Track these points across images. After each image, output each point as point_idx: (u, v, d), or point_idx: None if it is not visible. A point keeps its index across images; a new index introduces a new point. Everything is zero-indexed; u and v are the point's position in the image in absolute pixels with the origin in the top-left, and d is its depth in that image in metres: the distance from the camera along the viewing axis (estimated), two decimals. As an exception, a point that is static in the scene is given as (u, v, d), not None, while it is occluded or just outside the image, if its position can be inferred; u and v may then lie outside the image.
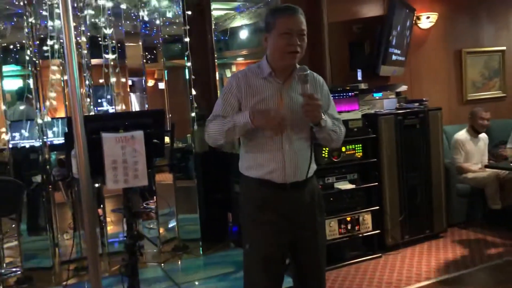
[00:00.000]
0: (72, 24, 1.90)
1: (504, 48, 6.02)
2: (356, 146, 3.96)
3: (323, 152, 3.81)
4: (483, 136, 5.02)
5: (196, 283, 3.68)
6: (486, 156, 5.02)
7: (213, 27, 4.57)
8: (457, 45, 5.74)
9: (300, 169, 2.10)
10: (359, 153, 3.97)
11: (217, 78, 4.68)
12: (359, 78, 4.67)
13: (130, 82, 4.54)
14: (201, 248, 4.31)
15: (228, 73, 5.78)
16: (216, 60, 4.68)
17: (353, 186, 3.93)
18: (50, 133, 3.90)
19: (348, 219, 3.90)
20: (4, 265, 3.79)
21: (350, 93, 3.95)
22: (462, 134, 4.94)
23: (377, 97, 4.49)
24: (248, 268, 2.17)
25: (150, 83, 5.44)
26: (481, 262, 3.84)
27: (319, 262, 2.21)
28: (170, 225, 4.53)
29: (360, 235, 3.96)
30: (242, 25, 5.43)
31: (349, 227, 3.89)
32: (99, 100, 4.54)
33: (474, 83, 5.91)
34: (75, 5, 3.96)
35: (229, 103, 2.10)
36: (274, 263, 2.11)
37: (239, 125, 2.01)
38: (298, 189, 2.11)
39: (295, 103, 2.07)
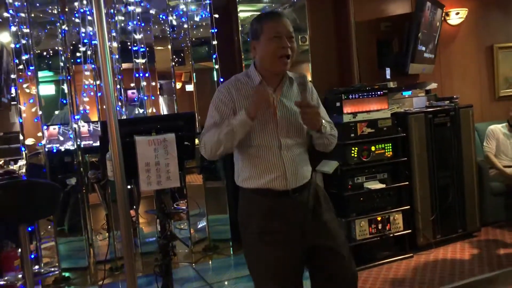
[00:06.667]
0: (106, 32, 1.96)
1: (538, 42, 5.86)
2: (386, 145, 3.92)
3: (352, 151, 3.80)
4: None
5: (226, 283, 3.72)
6: None
7: (240, 28, 4.61)
8: (488, 40, 5.61)
9: (300, 174, 2.07)
10: (389, 153, 3.94)
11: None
12: (388, 76, 4.63)
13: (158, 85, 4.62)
14: (231, 248, 4.35)
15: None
16: (243, 61, 4.72)
17: (383, 185, 3.90)
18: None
19: (379, 219, 3.87)
20: (42, 265, 3.91)
21: (379, 92, 3.92)
22: (498, 126, 4.83)
23: (407, 96, 4.44)
24: (260, 283, 2.10)
25: (178, 85, 5.53)
26: (516, 262, 3.76)
27: (345, 259, 2.11)
28: (200, 226, 4.59)
29: (391, 235, 3.93)
30: (268, 26, 5.46)
31: (379, 227, 3.87)
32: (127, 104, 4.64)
33: (507, 79, 5.77)
34: (106, 11, 4.06)
35: (225, 113, 2.04)
36: (289, 275, 2.05)
37: (236, 124, 1.95)
38: (300, 194, 2.07)
39: (288, 109, 2.06)
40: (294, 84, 2.12)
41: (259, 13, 5.26)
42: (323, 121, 2.06)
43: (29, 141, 3.96)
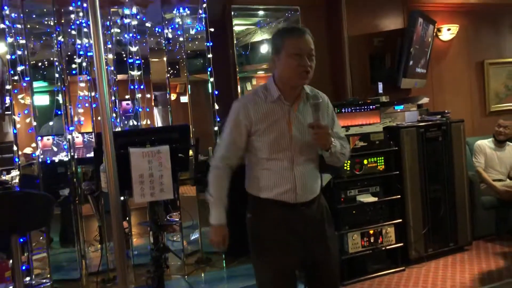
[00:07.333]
0: (102, 43, 1.98)
1: (528, 58, 5.96)
2: (378, 158, 3.96)
3: (345, 165, 3.82)
4: None
5: (219, 295, 3.72)
6: None
7: (235, 42, 4.66)
8: (479, 56, 5.70)
9: (309, 189, 2.12)
10: (381, 166, 3.97)
11: (239, 91, 4.76)
12: (380, 91, 4.68)
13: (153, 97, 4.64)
14: (224, 261, 4.34)
15: (249, 87, 5.86)
16: (238, 74, 4.76)
17: (375, 199, 3.93)
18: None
19: (371, 232, 3.89)
20: (34, 276, 3.88)
21: (371, 106, 3.96)
22: (484, 141, 4.90)
23: (399, 110, 4.49)
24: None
25: (173, 97, 5.55)
26: (507, 276, 3.77)
27: (334, 277, 2.21)
28: (193, 238, 4.58)
29: (383, 248, 3.95)
30: (262, 39, 5.52)
31: (372, 240, 3.89)
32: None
33: (498, 94, 5.86)
34: (102, 23, 4.08)
35: (240, 133, 2.09)
36: (286, 282, 2.11)
37: (211, 210, 2.16)
38: (308, 207, 2.12)
39: (303, 125, 2.08)
40: (310, 100, 2.15)
41: (253, 27, 5.37)
42: (334, 140, 2.09)
43: (27, 150, 3.96)
